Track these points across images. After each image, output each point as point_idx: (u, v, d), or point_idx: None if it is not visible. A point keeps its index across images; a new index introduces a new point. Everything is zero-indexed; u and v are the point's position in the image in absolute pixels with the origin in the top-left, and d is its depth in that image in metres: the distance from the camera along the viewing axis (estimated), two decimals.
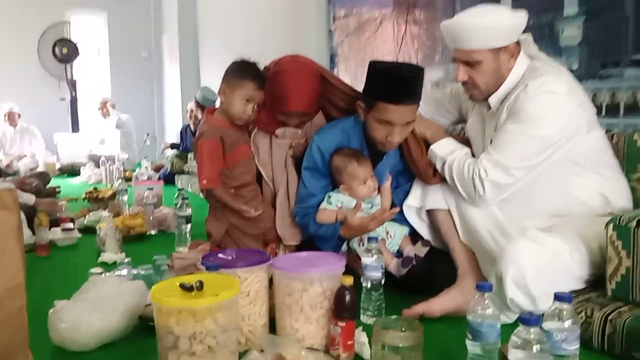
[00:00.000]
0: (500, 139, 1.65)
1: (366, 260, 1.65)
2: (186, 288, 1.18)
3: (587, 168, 1.69)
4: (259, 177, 2.16)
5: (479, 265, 1.74)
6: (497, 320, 1.21)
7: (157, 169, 5.65)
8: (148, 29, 7.78)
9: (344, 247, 1.93)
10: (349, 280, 1.38)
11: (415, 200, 1.90)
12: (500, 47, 1.66)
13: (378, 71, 1.80)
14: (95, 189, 4.07)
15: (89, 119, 7.28)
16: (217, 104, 2.16)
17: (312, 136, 1.99)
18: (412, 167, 1.89)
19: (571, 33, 2.30)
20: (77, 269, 2.34)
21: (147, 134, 7.50)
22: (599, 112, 2.14)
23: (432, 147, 1.82)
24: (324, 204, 1.90)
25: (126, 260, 2.01)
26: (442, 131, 1.90)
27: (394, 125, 1.75)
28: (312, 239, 1.94)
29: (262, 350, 1.31)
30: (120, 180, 4.06)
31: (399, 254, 1.90)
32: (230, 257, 1.49)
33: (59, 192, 4.48)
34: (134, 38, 7.65)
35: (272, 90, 1.99)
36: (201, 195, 3.26)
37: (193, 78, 6.93)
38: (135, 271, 1.88)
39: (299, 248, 2.05)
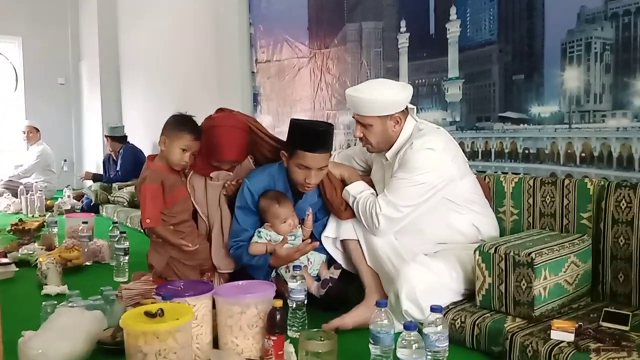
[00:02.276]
0: (392, 183, 2.08)
1: (292, 284, 1.99)
2: (151, 315, 1.48)
3: (462, 206, 2.14)
4: (194, 215, 2.46)
5: (382, 285, 2.15)
6: (391, 329, 1.60)
7: (78, 198, 5.69)
8: (65, 56, 7.73)
9: (273, 273, 2.27)
10: (279, 303, 1.73)
11: (331, 232, 2.29)
12: (387, 115, 2.09)
13: (298, 126, 2.20)
14: (20, 220, 4.11)
15: (4, 146, 7.13)
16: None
17: (244, 179, 2.33)
18: (328, 205, 2.27)
19: (454, 92, 2.83)
20: (21, 301, 2.51)
21: (65, 160, 7.46)
22: (476, 157, 2.69)
23: (346, 187, 2.22)
24: (255, 238, 2.23)
25: (75, 292, 2.22)
26: (357, 175, 2.30)
27: (310, 170, 2.13)
28: (245, 268, 2.27)
29: None
30: (49, 213, 4.14)
31: (317, 277, 2.27)
32: (179, 288, 1.78)
33: None
34: (50, 64, 7.57)
35: (208, 141, 2.31)
36: (139, 228, 3.48)
37: (114, 108, 6.97)
38: (86, 302, 2.10)
39: (232, 276, 2.38)
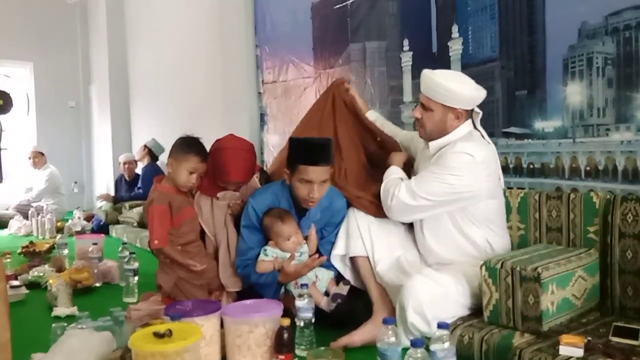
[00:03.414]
0: (422, 173, 2.12)
1: (299, 303, 1.99)
2: (159, 335, 1.49)
3: (481, 222, 2.12)
4: (202, 235, 2.49)
5: (391, 300, 2.15)
6: (398, 346, 1.61)
7: (88, 219, 5.74)
8: (76, 79, 7.85)
9: (282, 290, 2.27)
10: (286, 322, 1.74)
11: (341, 249, 2.30)
12: (451, 107, 2.09)
13: (298, 142, 2.24)
14: (31, 242, 4.15)
15: (15, 170, 7.19)
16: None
17: (248, 198, 2.35)
18: None
19: None
20: (31, 323, 2.52)
21: (75, 182, 7.53)
22: None
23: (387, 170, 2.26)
24: (261, 257, 2.24)
25: (84, 313, 2.23)
26: (400, 161, 2.32)
27: (313, 184, 2.16)
28: (253, 286, 2.28)
29: None
30: (59, 235, 4.16)
31: (326, 293, 2.27)
32: (188, 308, 1.80)
33: None
34: (61, 88, 7.67)
35: (215, 163, 2.35)
36: (148, 248, 3.50)
37: (124, 130, 7.04)
38: (96, 323, 2.11)
39: (240, 294, 2.39)
